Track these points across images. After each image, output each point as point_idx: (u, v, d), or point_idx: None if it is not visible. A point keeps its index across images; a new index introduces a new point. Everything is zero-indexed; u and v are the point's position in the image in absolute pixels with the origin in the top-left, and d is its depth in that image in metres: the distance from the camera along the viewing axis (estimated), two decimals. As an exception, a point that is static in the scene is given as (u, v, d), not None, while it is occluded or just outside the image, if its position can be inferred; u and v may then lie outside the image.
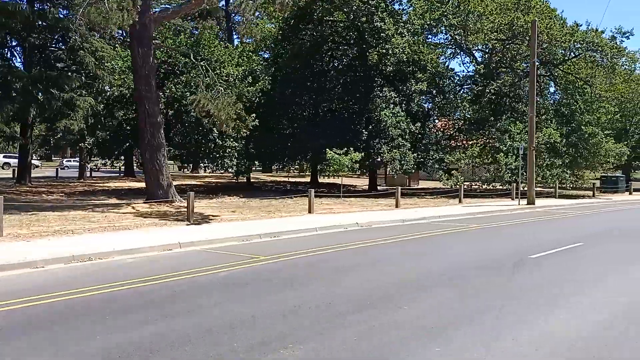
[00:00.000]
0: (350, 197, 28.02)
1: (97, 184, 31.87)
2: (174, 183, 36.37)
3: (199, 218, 15.52)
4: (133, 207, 17.96)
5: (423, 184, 41.36)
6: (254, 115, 26.79)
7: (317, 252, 10.93)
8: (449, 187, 31.10)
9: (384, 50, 29.76)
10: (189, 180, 37.74)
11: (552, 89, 36.91)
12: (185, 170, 56.94)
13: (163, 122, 19.90)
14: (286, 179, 44.38)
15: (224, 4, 53.40)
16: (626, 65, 47.39)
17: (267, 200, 23.06)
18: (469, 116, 35.98)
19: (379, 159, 29.40)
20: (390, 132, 29.29)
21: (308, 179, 44.51)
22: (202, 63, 20.80)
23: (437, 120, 37.44)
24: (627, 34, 32.72)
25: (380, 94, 30.73)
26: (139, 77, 19.19)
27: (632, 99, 45.47)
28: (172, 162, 41.07)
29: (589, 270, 9.30)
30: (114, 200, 20.52)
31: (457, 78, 38.29)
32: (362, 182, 44.97)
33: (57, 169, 44.81)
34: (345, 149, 26.49)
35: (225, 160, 26.70)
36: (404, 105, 31.59)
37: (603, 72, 34.07)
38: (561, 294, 7.46)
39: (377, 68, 31.89)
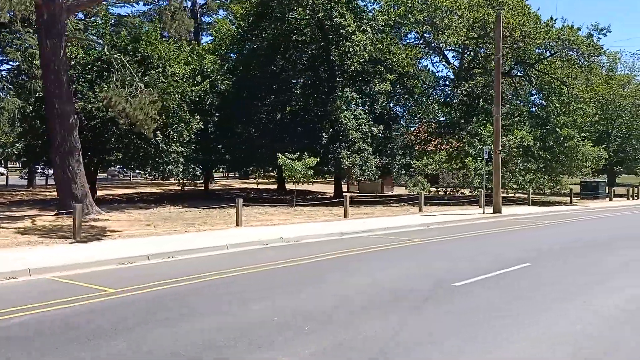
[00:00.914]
0: (306, 205, 25.88)
1: (40, 193, 29.60)
2: (129, 191, 34.37)
3: (95, 234, 13.31)
4: (33, 221, 15.72)
5: (398, 190, 39.29)
6: (198, 117, 24.91)
7: (195, 280, 8.78)
8: (415, 193, 29.12)
9: (344, 48, 27.77)
10: (144, 189, 35.50)
11: (531, 90, 34.95)
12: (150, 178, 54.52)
13: (77, 123, 17.66)
14: (257, 186, 42.14)
15: (191, 4, 51.46)
16: (607, 65, 45.91)
17: (207, 210, 20.89)
18: (441, 119, 34.07)
19: (338, 165, 27.26)
20: (351, 136, 27.26)
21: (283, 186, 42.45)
22: (116, 56, 18.58)
23: (410, 124, 35.49)
24: (604, 31, 30.95)
25: (342, 95, 28.66)
26: (48, 72, 17.01)
27: (614, 101, 43.85)
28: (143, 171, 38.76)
29: (522, 305, 7.20)
30: (22, 212, 18.25)
31: (429, 79, 36.46)
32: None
33: (6, 177, 42.38)
34: (298, 153, 24.42)
35: (168, 167, 24.41)
36: (367, 107, 29.61)
37: (580, 72, 32.26)
38: (464, 346, 5.36)
39: (340, 67, 29.94)
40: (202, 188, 34.19)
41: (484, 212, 22.44)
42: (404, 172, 30.48)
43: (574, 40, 30.84)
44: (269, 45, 30.41)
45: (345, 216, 19.55)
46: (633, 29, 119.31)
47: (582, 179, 39.28)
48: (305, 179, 32.67)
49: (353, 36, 27.81)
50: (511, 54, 33.91)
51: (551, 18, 31.99)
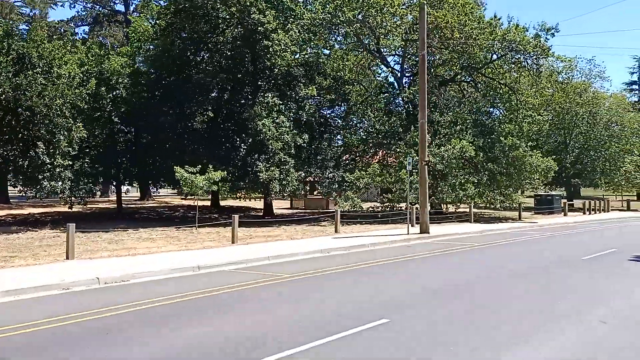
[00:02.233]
0: (218, 225, 22.43)
1: None
2: (41, 210, 30.42)
3: None
4: None
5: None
6: (80, 124, 21.41)
7: None
8: (346, 209, 26.02)
9: (263, 48, 24.70)
10: (46, 208, 31.51)
11: (476, 97, 32.27)
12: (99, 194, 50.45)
13: None
14: (194, 203, 38.45)
15: (124, 8, 48.14)
16: (563, 72, 43.89)
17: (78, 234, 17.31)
18: (379, 128, 31.11)
19: (256, 179, 23.96)
20: (271, 146, 24.07)
21: (230, 202, 38.88)
22: None
23: (347, 134, 32.39)
24: (552, 31, 28.44)
25: (263, 100, 25.50)
26: None
27: (570, 110, 41.69)
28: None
29: None
30: None
31: (370, 86, 33.62)
32: (282, 205, 39.61)
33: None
34: (200, 166, 21.13)
35: (51, 182, 20.69)
36: (292, 114, 26.48)
37: (528, 75, 29.75)
38: None
39: (262, 70, 26.84)
40: (115, 206, 30.52)
41: (408, 233, 19.34)
42: (336, 186, 27.35)
43: (519, 42, 28.34)
44: (184, 46, 27.18)
45: (233, 241, 16.20)
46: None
47: (536, 193, 36.78)
48: (227, 194, 29.33)
49: (273, 35, 24.82)
50: (457, 57, 31.41)
51: (495, 16, 29.34)
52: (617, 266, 12.51)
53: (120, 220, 24.88)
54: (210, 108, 26.66)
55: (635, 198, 54.93)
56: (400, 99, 31.94)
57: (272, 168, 23.62)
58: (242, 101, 26.07)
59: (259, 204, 40.80)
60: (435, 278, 11.01)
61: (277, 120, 24.87)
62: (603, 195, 48.75)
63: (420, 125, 20.06)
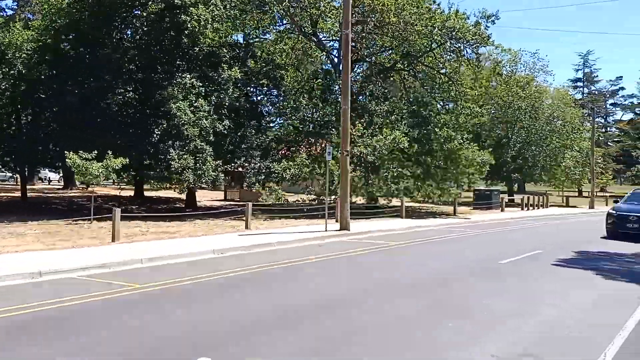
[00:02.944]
0: (126, 219, 20.04)
1: None
2: None
3: None
4: None
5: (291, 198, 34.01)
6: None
7: None
8: (272, 202, 24.18)
9: (181, 24, 22.40)
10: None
11: (414, 86, 30.90)
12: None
13: None
14: (119, 193, 35.62)
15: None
16: (508, 66, 43.27)
17: None
18: (313, 117, 29.32)
19: (167, 167, 21.70)
20: (186, 132, 21.87)
21: (161, 193, 36.09)
22: None
23: (278, 122, 30.47)
24: (492, 18, 27.29)
25: (181, 82, 23.20)
26: None
27: (512, 103, 41.06)
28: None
29: None
30: None
31: (306, 72, 31.77)
32: (216, 196, 37.31)
33: None
34: (95, 152, 18.75)
35: None
36: (214, 98, 24.26)
37: (467, 65, 28.57)
38: None
39: (184, 49, 24.50)
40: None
41: (326, 230, 17.61)
42: (263, 177, 25.38)
43: (459, 29, 27.05)
44: (96, 20, 24.46)
45: (113, 239, 14.01)
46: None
47: (475, 188, 35.93)
48: (157, 185, 27.00)
49: (192, 9, 22.53)
50: (397, 45, 29.92)
51: (434, 1, 27.90)
52: (536, 274, 11.09)
53: (20, 211, 22.22)
54: (122, 88, 24.10)
55: (576, 194, 55.50)
56: (337, 86, 30.20)
57: (186, 156, 21.44)
58: (158, 82, 23.63)
59: (201, 194, 38.49)
60: (316, 290, 9.26)
61: (196, 104, 22.69)
62: (546, 191, 48.76)
63: (342, 112, 18.30)
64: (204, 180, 22.25)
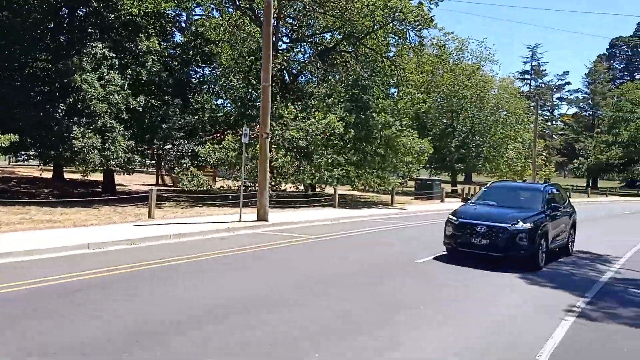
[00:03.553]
0: (21, 204, 17.63)
1: None
2: None
3: None
4: None
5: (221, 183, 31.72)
6: None
7: None
8: (194, 188, 22.22)
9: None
10: None
11: (355, 69, 29.35)
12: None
13: None
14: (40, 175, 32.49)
15: None
16: (455, 54, 42.46)
17: None
18: (246, 98, 27.41)
19: (70, 146, 19.31)
20: (93, 108, 19.57)
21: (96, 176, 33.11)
22: None
23: (208, 101, 28.22)
24: (436, 0, 26.01)
25: (91, 52, 20.80)
26: None
27: (458, 92, 40.27)
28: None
29: None
30: None
31: (240, 49, 29.71)
32: (149, 180, 34.78)
33: None
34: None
35: None
36: (131, 71, 21.94)
37: (410, 48, 27.28)
38: None
39: (96, 16, 22.04)
40: None
41: (240, 220, 15.85)
42: (187, 161, 23.29)
43: (402, 9, 25.65)
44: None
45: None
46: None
47: (417, 177, 35.00)
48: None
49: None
50: (340, 25, 28.33)
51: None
52: (447, 278, 9.75)
53: None
54: (23, 58, 21.41)
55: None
56: (273, 64, 28.33)
57: (91, 135, 19.16)
58: (64, 52, 21.09)
59: (133, 178, 35.94)
60: (168, 304, 7.55)
61: (107, 77, 20.38)
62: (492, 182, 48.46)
63: (262, 89, 16.46)
64: (112, 162, 20.02)
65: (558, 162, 79.86)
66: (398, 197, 32.99)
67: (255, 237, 13.98)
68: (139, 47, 21.83)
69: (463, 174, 68.17)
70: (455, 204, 31.13)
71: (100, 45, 20.87)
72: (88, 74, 19.75)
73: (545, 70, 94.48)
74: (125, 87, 20.80)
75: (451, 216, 11.54)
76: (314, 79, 28.30)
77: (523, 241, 10.44)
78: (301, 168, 23.02)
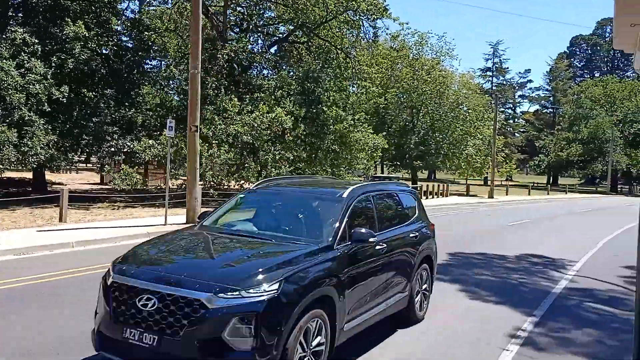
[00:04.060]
0: None
1: None
2: None
3: None
4: None
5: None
6: None
7: None
8: (128, 187, 20.39)
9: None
10: None
11: (307, 60, 27.88)
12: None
13: None
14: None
15: None
16: (414, 48, 41.49)
17: None
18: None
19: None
20: (11, 99, 17.56)
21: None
22: None
23: (150, 92, 26.26)
24: (389, -11, 24.86)
25: (10, 37, 18.80)
26: None
27: (417, 88, 39.30)
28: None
29: None
30: None
31: (187, 39, 27.87)
32: (96, 179, 32.55)
33: None
34: None
35: None
36: (54, 59, 19.94)
37: (364, 39, 26.01)
38: None
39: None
40: None
41: (165, 223, 14.22)
42: (122, 157, 21.42)
43: (354, -2, 24.33)
44: None
45: None
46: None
47: (374, 175, 33.86)
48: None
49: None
50: (293, 14, 26.84)
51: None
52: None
53: None
54: None
55: (483, 183, 55.43)
56: (220, 55, 26.66)
57: (4, 128, 17.16)
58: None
59: (85, 176, 33.82)
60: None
61: (28, 65, 18.37)
62: (454, 179, 47.93)
63: (190, 77, 14.79)
64: (31, 160, 18.04)
65: (519, 159, 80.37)
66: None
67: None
68: (65, 33, 19.85)
69: (425, 172, 67.73)
70: (413, 202, 30.14)
71: (21, 30, 18.87)
72: (4, 61, 17.74)
73: (508, 67, 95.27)
74: (49, 77, 18.83)
75: (110, 268, 4.82)
76: (265, 71, 26.76)
77: (245, 337, 4.08)
78: (246, 165, 21.45)
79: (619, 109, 63.09)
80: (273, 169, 21.94)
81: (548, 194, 49.35)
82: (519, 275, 9.97)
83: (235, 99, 21.73)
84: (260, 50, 27.72)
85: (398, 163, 41.14)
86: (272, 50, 28.93)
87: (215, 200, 20.86)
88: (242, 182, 21.80)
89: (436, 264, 7.39)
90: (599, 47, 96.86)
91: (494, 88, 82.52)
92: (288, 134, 23.49)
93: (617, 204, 39.56)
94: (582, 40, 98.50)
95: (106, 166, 21.72)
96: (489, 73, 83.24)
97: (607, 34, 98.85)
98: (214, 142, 20.91)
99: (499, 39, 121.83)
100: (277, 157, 22.24)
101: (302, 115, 23.26)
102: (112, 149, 21.81)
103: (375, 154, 24.51)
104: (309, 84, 24.40)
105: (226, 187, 21.31)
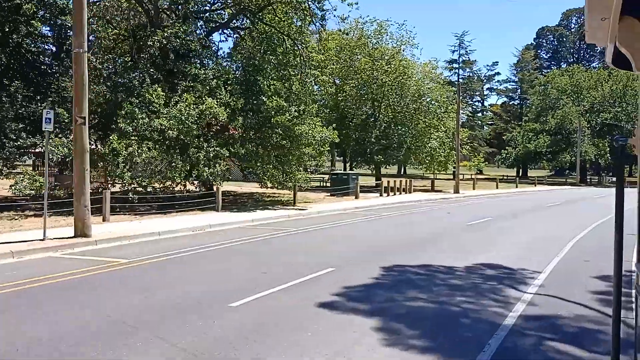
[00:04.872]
0: None
1: None
2: None
3: None
4: None
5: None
6: None
7: None
8: (30, 194, 17.56)
9: None
10: None
11: (249, 47, 25.37)
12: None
13: None
14: None
15: None
16: (373, 37, 39.29)
17: None
18: (119, 81, 22.87)
19: None
20: None
21: None
22: None
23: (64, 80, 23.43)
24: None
25: None
26: None
27: (377, 79, 37.08)
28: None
29: None
30: None
31: (117, 25, 25.10)
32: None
33: None
34: None
35: None
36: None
37: (310, 22, 23.60)
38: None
39: None
40: None
41: (44, 238, 11.57)
42: (18, 155, 18.65)
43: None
44: None
45: None
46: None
47: (332, 171, 31.53)
48: None
49: None
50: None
51: None
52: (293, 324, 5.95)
53: None
54: None
55: (452, 177, 53.58)
56: (151, 42, 23.96)
57: None
58: None
59: None
60: None
61: None
62: (423, 174, 45.75)
63: (74, 57, 12.14)
64: None
65: (487, 152, 79.19)
66: (309, 194, 29.46)
67: (49, 264, 9.81)
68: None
69: (395, 167, 65.74)
70: (370, 200, 27.96)
71: None
72: None
73: (476, 60, 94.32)
74: None
75: None
76: (203, 60, 24.11)
77: None
78: (173, 164, 18.84)
79: (585, 99, 62.14)
80: (206, 168, 19.40)
81: (516, 187, 47.84)
82: (465, 298, 7.68)
83: (159, 89, 19.07)
84: (198, 38, 25.08)
85: (360, 159, 38.88)
86: (214, 38, 26.34)
87: (136, 207, 18.22)
88: (169, 183, 19.23)
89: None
90: (564, 39, 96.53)
91: (460, 80, 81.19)
92: (233, 129, 21.03)
93: (585, 195, 38.10)
94: (548, 32, 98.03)
95: (3, 169, 18.81)
96: (455, 65, 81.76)
97: (573, 25, 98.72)
98: (132, 138, 18.26)
99: (465, 30, 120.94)
100: (211, 155, 19.70)
101: (239, 107, 20.77)
102: (15, 150, 18.95)
103: (323, 149, 22.06)
104: (249, 72, 21.91)
105: (151, 190, 18.65)
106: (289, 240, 13.58)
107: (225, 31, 27.47)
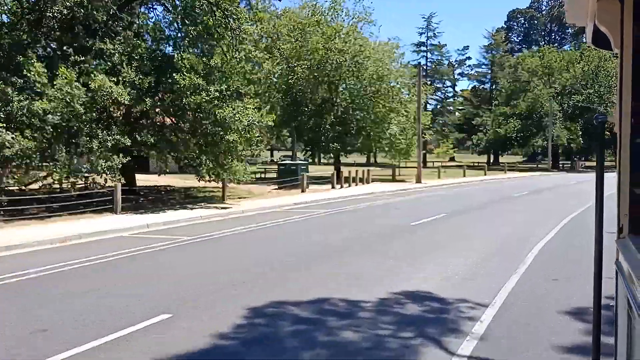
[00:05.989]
0: None
1: None
2: None
3: None
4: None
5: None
6: None
7: None
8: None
9: None
10: None
11: (170, 19, 21.90)
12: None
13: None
14: None
15: None
16: (329, 14, 35.98)
17: None
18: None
19: None
20: None
21: None
22: None
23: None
24: None
25: None
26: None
27: (331, 59, 33.79)
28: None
29: None
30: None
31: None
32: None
33: None
34: None
35: None
36: None
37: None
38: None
39: None
40: None
41: None
42: None
43: None
44: None
45: None
46: None
47: (280, 161, 28.27)
48: None
49: None
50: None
51: None
52: None
53: None
54: None
55: (422, 165, 50.71)
56: (53, 11, 20.23)
57: None
58: None
59: None
60: None
61: None
62: (392, 163, 42.71)
63: None
64: None
65: (457, 138, 76.81)
66: (254, 188, 26.24)
67: None
68: None
69: (363, 155, 62.76)
70: (318, 194, 24.77)
71: None
72: None
73: (446, 44, 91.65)
74: None
75: None
76: (111, 34, 20.52)
77: None
78: (55, 156, 15.33)
79: (557, 81, 59.87)
80: (101, 161, 15.92)
81: (485, 174, 45.24)
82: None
83: (38, 65, 15.47)
84: (106, 9, 21.44)
85: (315, 147, 35.70)
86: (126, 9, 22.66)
87: (4, 212, 14.66)
88: (49, 181, 15.75)
89: None
90: (536, 21, 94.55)
91: (428, 64, 78.35)
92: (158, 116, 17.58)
93: (556, 183, 35.59)
94: (519, 14, 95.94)
95: None
96: (423, 48, 78.83)
97: (544, 7, 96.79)
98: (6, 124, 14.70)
99: (433, 12, 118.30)
100: (109, 144, 16.22)
101: (146, 87, 17.30)
102: None
103: (250, 135, 18.70)
104: (159, 46, 18.45)
105: (27, 189, 15.18)
106: (146, 262, 9.85)
107: (151, 3, 23.87)
